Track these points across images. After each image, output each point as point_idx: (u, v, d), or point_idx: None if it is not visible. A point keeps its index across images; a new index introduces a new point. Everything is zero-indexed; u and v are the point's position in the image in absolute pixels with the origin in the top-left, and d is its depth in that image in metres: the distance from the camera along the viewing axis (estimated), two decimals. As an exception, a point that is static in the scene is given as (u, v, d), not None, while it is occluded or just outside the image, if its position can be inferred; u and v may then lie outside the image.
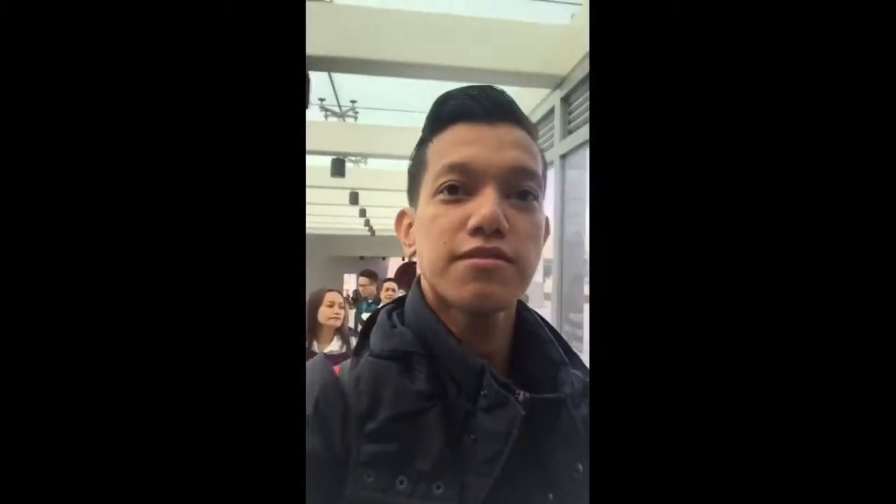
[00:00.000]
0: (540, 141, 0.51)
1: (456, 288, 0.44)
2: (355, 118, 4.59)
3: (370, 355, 0.46)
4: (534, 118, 2.79)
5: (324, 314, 2.37)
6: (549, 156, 2.43)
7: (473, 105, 0.46)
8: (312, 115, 4.21)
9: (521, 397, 0.43)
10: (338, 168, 4.62)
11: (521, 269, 0.44)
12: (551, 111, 2.69)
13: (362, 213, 8.09)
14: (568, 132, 2.53)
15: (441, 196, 0.45)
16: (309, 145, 4.21)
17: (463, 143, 0.45)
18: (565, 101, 2.52)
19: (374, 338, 0.49)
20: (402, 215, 0.53)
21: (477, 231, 0.42)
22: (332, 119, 4.53)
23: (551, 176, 2.37)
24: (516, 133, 0.46)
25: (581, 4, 2.59)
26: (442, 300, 0.47)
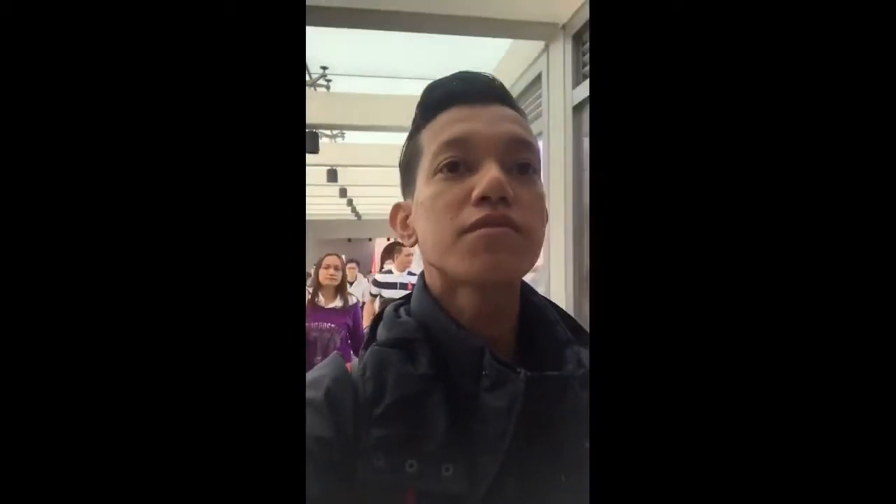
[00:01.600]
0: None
1: (467, 261, 0.43)
2: (327, 87, 4.11)
3: (375, 344, 0.48)
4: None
5: (323, 275, 2.79)
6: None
7: (465, 87, 0.47)
8: None
9: (521, 375, 0.43)
10: (311, 143, 4.02)
11: (529, 239, 0.44)
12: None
13: (342, 192, 7.61)
14: (583, 77, 2.12)
15: (441, 174, 0.45)
16: None
17: (459, 121, 0.45)
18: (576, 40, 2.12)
19: (381, 330, 0.50)
20: (396, 209, 0.52)
21: (483, 200, 0.42)
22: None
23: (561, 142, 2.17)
24: (509, 111, 0.47)
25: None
26: (448, 285, 0.47)
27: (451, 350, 0.45)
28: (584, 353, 0.48)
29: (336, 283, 2.84)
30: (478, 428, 0.42)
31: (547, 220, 0.49)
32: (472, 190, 0.43)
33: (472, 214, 0.42)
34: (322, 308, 2.71)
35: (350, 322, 2.77)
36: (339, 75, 3.92)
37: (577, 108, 2.11)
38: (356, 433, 0.42)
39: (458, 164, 0.44)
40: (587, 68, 2.07)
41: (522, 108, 0.50)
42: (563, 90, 2.17)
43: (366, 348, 0.49)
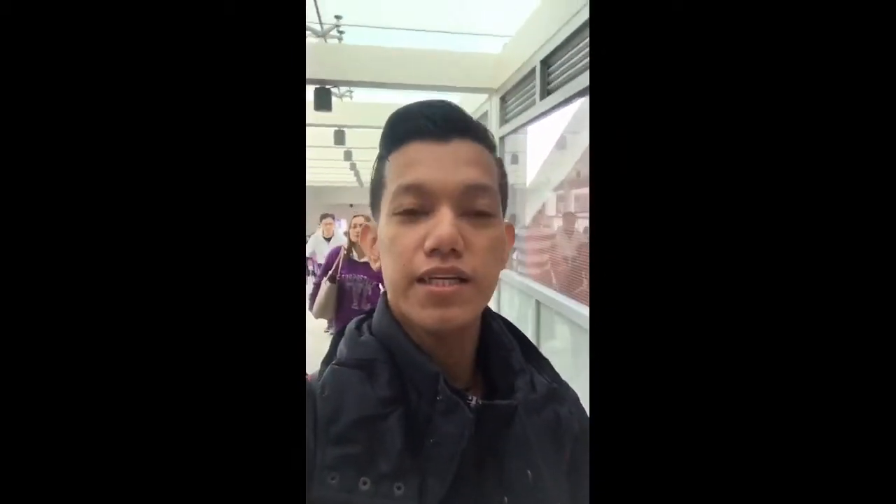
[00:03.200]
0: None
1: (417, 311, 0.45)
2: (340, 38, 3.81)
3: (335, 363, 0.48)
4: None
5: (353, 234, 2.84)
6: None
7: (427, 124, 0.46)
8: None
9: (472, 403, 0.44)
10: (323, 100, 3.60)
11: (480, 287, 0.45)
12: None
13: (347, 155, 7.34)
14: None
15: (398, 217, 0.45)
16: None
17: (416, 164, 0.45)
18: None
19: (342, 346, 0.50)
20: (366, 230, 0.53)
21: (433, 252, 0.43)
22: (313, 40, 3.67)
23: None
24: (470, 148, 0.47)
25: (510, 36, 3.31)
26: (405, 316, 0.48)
27: (409, 373, 0.46)
28: (537, 378, 0.51)
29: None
30: (430, 450, 0.43)
31: (511, 247, 0.51)
32: (425, 237, 0.44)
33: (423, 264, 0.43)
34: (356, 262, 2.83)
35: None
36: (353, 26, 3.64)
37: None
38: (314, 451, 0.42)
39: (414, 210, 0.45)
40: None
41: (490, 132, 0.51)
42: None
43: (325, 363, 0.49)
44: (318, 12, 3.45)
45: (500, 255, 0.48)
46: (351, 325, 0.52)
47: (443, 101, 0.48)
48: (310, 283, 3.25)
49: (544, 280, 3.10)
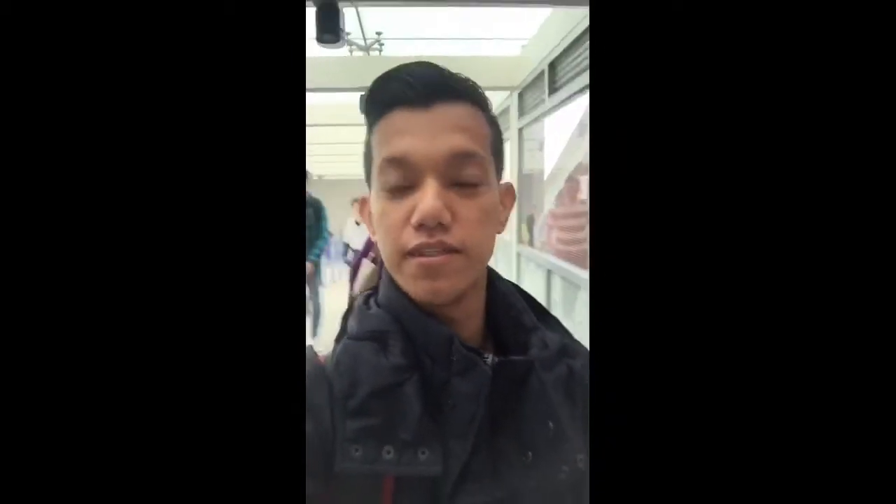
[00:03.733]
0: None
1: (409, 284, 0.46)
2: (380, 51, 4.43)
3: (347, 338, 0.49)
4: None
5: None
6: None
7: (407, 91, 0.44)
8: (340, 51, 3.82)
9: (488, 360, 0.45)
10: (326, 23, 3.21)
11: (471, 256, 0.45)
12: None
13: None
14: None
15: (385, 193, 0.45)
16: (335, 82, 4.06)
17: (399, 134, 0.44)
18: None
19: (351, 322, 0.51)
20: (363, 203, 0.52)
21: (420, 226, 0.43)
22: (358, 54, 4.36)
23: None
24: (455, 113, 0.45)
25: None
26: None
27: (421, 339, 0.46)
28: (549, 336, 0.51)
29: None
30: (449, 412, 0.44)
31: (511, 209, 0.51)
32: (411, 211, 0.43)
33: (411, 239, 0.43)
34: None
35: None
36: (392, 39, 4.24)
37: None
38: (333, 426, 0.43)
39: (398, 185, 0.44)
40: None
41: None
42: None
43: (338, 341, 0.50)
44: (361, 28, 4.07)
45: (493, 222, 0.47)
46: (358, 300, 0.52)
47: (424, 63, 0.46)
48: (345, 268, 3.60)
49: (579, 259, 3.11)
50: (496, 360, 0.45)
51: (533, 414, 0.46)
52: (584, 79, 2.82)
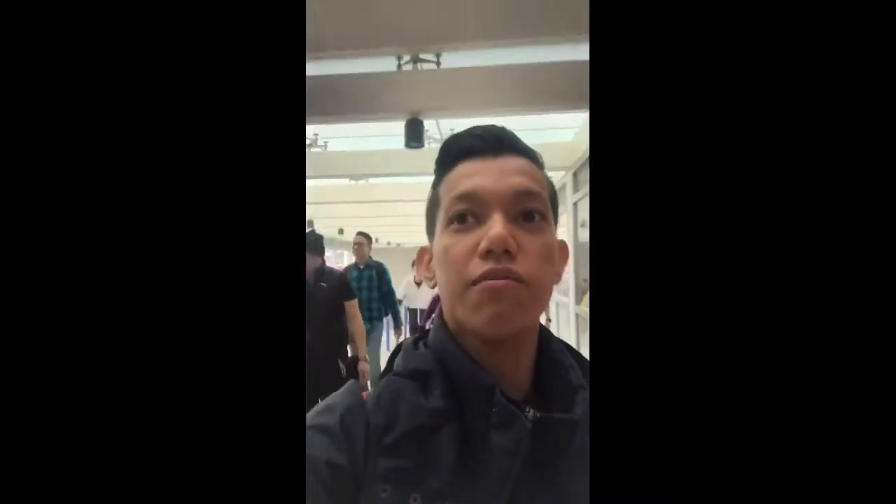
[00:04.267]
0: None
1: (472, 313, 0.45)
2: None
3: (391, 374, 0.50)
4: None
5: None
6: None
7: (477, 143, 0.48)
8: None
9: (530, 415, 0.44)
10: (413, 133, 3.14)
11: (533, 290, 0.45)
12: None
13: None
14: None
15: (453, 226, 0.47)
16: (417, 168, 4.58)
17: (469, 176, 0.47)
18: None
19: (398, 360, 0.52)
20: (422, 252, 0.55)
21: (488, 254, 0.44)
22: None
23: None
24: (518, 162, 0.48)
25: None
26: (461, 325, 0.48)
27: (463, 385, 0.46)
28: None
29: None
30: (484, 466, 0.43)
31: (565, 264, 0.52)
32: (479, 242, 0.44)
33: (478, 267, 0.44)
34: None
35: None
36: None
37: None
38: (366, 462, 0.43)
39: (466, 216, 0.46)
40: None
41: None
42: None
43: (382, 378, 0.51)
44: (438, 128, 4.22)
45: (552, 262, 0.48)
46: (408, 340, 0.53)
47: (491, 124, 0.50)
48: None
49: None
50: (538, 415, 0.44)
51: (570, 480, 0.44)
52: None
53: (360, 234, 3.91)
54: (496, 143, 0.49)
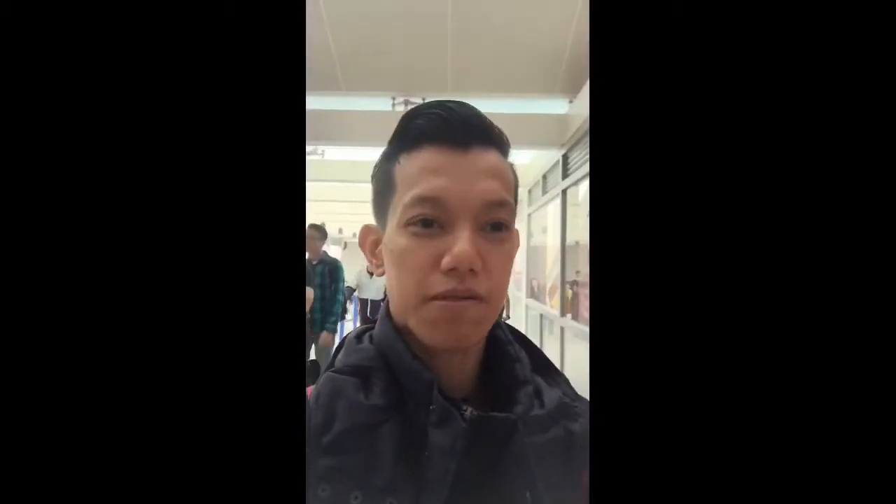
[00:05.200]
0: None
1: (427, 328, 0.44)
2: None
3: (331, 371, 0.48)
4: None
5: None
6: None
7: (445, 127, 0.44)
8: (381, 103, 3.82)
9: (466, 413, 0.43)
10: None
11: (493, 306, 0.45)
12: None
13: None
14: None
15: (413, 228, 0.44)
16: (371, 136, 4.00)
17: (434, 172, 0.43)
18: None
19: (340, 355, 0.50)
20: (367, 231, 0.51)
21: (451, 271, 0.42)
22: (399, 107, 3.85)
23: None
24: (489, 158, 0.45)
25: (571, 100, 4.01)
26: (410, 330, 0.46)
27: (405, 381, 0.45)
28: (548, 394, 0.48)
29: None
30: (424, 463, 0.42)
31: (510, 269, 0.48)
32: (441, 253, 0.42)
33: (439, 284, 0.42)
34: None
35: None
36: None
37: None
38: (306, 461, 0.41)
39: (431, 222, 0.43)
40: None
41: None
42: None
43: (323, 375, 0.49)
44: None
45: (510, 267, 0.47)
46: (352, 334, 0.51)
47: (461, 103, 0.45)
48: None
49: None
50: (474, 413, 0.43)
51: (510, 480, 0.43)
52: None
53: (311, 226, 3.52)
54: (466, 131, 0.45)
